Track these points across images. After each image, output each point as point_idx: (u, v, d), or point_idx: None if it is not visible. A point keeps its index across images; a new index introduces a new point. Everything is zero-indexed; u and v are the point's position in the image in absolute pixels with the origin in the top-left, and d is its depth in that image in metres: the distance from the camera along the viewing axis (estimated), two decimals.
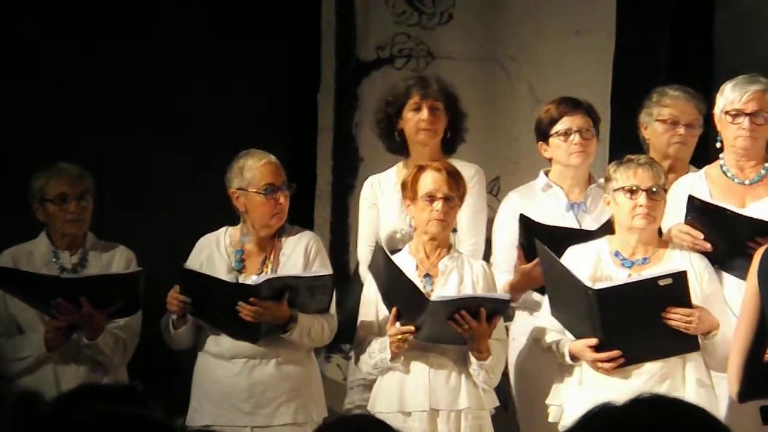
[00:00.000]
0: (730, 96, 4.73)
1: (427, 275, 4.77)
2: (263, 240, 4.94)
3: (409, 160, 5.19)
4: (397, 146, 5.20)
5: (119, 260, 5.08)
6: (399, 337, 4.65)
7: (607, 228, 4.79)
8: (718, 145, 4.82)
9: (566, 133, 4.97)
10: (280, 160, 5.00)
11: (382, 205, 5.18)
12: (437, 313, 4.61)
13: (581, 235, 4.80)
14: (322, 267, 4.92)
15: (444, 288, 4.76)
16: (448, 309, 4.60)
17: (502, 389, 4.96)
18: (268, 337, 4.81)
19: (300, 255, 4.90)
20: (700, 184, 4.82)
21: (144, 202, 5.93)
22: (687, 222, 4.65)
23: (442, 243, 4.81)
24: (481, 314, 4.58)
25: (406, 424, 4.70)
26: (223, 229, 4.98)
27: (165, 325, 4.91)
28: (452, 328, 4.60)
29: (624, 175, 4.57)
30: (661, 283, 4.41)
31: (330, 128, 6.27)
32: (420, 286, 4.71)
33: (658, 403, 2.28)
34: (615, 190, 4.59)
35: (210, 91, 6.08)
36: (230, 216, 5.00)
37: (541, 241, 4.72)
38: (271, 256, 4.90)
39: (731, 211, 4.59)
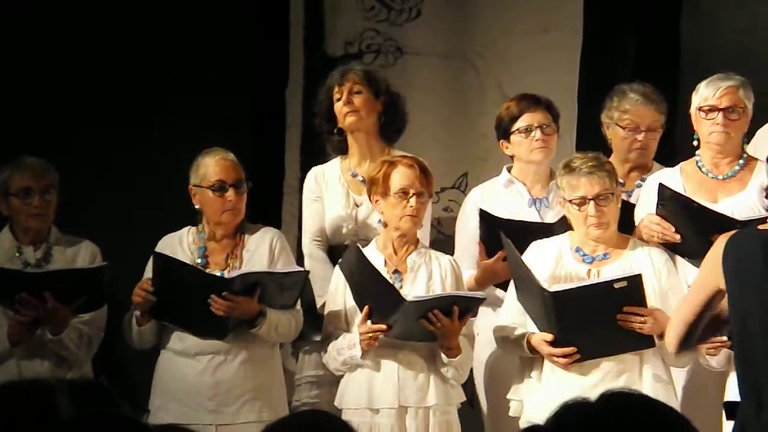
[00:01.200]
0: (704, 93, 4.75)
1: (396, 271, 4.78)
2: (224, 237, 4.94)
3: (350, 153, 5.21)
4: (338, 144, 5.22)
5: (84, 255, 5.06)
6: (370, 335, 4.65)
7: (566, 220, 4.81)
8: (695, 143, 4.83)
9: (527, 130, 5.01)
10: (247, 156, 5.01)
11: (326, 198, 5.20)
12: (411, 312, 4.62)
13: (541, 229, 4.84)
14: (288, 263, 4.92)
15: (413, 284, 4.77)
16: (423, 308, 4.61)
17: (468, 385, 4.99)
18: (233, 334, 4.80)
19: (264, 251, 4.90)
20: (674, 179, 4.84)
21: (109, 197, 5.91)
22: (658, 212, 4.67)
23: (411, 239, 4.83)
24: (453, 312, 4.59)
25: (374, 420, 4.72)
26: (185, 229, 4.99)
27: (128, 323, 4.88)
28: (424, 326, 4.60)
29: (569, 187, 4.59)
30: (617, 285, 4.43)
31: (298, 124, 6.27)
32: None
33: (630, 398, 2.35)
34: (564, 199, 4.62)
35: (178, 87, 6.06)
36: (195, 215, 4.99)
37: (500, 233, 4.75)
38: (234, 253, 4.89)
39: (698, 204, 4.61)
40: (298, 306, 4.89)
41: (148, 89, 6.04)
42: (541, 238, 4.73)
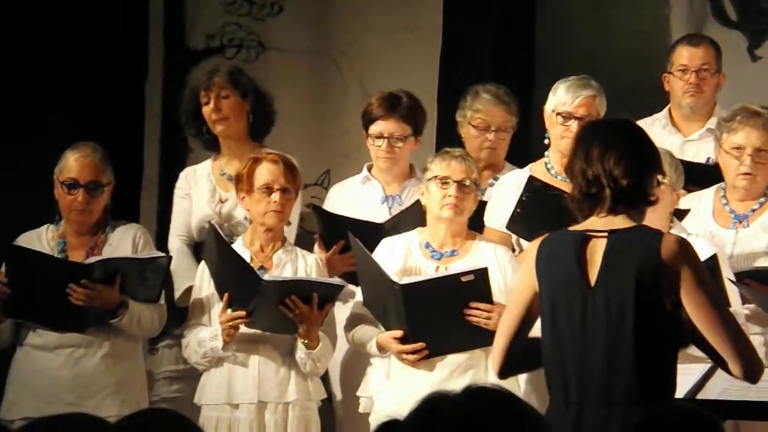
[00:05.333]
0: (563, 98, 4.85)
1: (261, 267, 4.77)
2: (82, 234, 4.88)
3: (222, 153, 5.21)
4: (210, 143, 5.22)
5: None
6: (230, 324, 4.64)
7: (401, 218, 4.89)
8: (546, 141, 4.93)
9: (378, 137, 5.05)
10: (105, 149, 4.93)
11: (194, 195, 5.18)
12: (269, 296, 4.61)
13: (372, 227, 4.88)
14: None
15: None
16: (280, 291, 4.61)
17: (327, 381, 5.01)
18: (95, 327, 4.74)
19: (127, 247, 4.86)
20: (525, 180, 4.90)
21: None
22: (518, 203, 4.72)
23: (277, 235, 4.82)
24: (313, 299, 4.60)
25: (234, 415, 4.70)
26: (45, 226, 4.92)
27: None
28: (283, 313, 4.60)
29: (438, 166, 4.67)
30: (464, 279, 4.52)
31: (158, 117, 6.22)
32: None
33: (491, 394, 2.41)
34: (428, 180, 4.69)
35: (34, 79, 5.95)
36: (54, 206, 4.92)
37: (336, 228, 4.81)
38: (95, 250, 4.83)
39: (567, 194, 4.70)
40: (162, 300, 4.85)
41: (2, 81, 5.92)
42: (373, 237, 4.78)
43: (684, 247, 3.64)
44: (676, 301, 3.64)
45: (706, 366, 3.98)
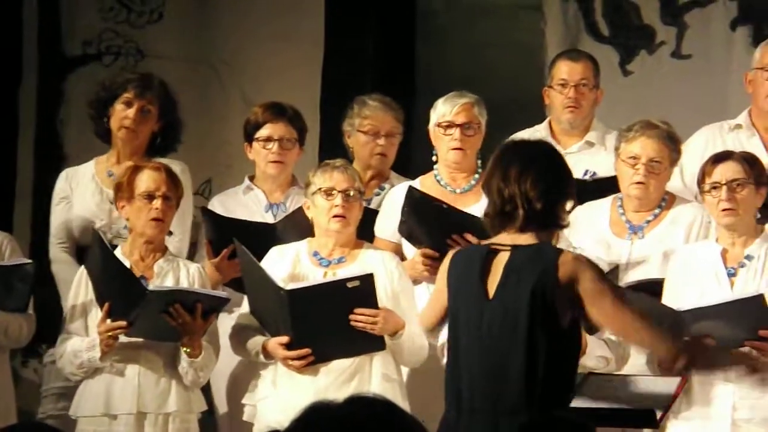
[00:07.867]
0: (442, 109, 4.97)
1: (142, 277, 4.69)
2: None
3: (109, 153, 5.12)
4: (104, 132, 5.11)
5: None
6: (109, 334, 4.55)
7: (291, 219, 4.89)
8: (434, 158, 5.02)
9: (267, 140, 5.04)
10: None
11: (75, 196, 5.08)
12: (153, 306, 4.54)
13: (264, 228, 4.88)
14: None
15: None
16: (164, 301, 4.55)
17: (209, 393, 4.94)
18: None
19: None
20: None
21: None
22: (402, 213, 4.76)
23: (158, 246, 4.76)
24: (196, 309, 4.55)
25: (111, 427, 4.62)
26: None
27: None
28: (166, 321, 4.54)
29: (321, 178, 4.70)
30: (350, 285, 4.54)
31: (32, 124, 6.11)
32: None
33: (373, 403, 2.41)
34: (313, 193, 4.71)
35: None
36: None
37: (227, 233, 4.79)
38: None
39: (447, 206, 4.79)
40: (31, 310, 4.73)
41: None
42: (266, 238, 4.78)
43: (580, 262, 3.76)
44: (575, 316, 3.73)
45: (578, 376, 4.06)
